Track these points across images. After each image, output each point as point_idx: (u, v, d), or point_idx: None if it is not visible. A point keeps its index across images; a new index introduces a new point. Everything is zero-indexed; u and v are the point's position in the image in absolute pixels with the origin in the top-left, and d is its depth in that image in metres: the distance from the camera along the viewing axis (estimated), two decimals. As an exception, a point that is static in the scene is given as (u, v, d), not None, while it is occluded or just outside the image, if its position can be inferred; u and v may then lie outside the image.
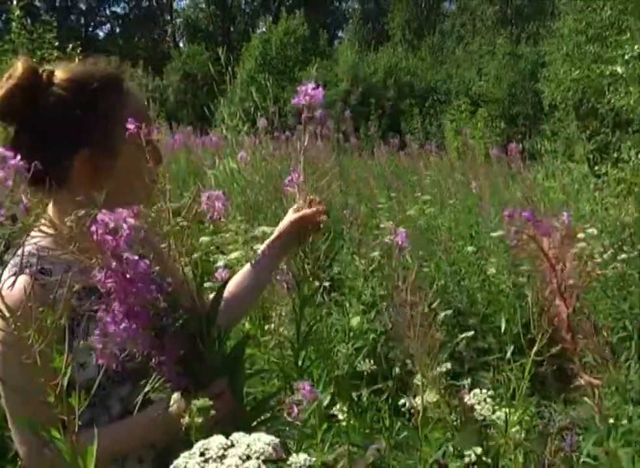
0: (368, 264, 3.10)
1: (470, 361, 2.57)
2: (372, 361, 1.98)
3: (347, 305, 2.98)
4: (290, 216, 1.48)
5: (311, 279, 1.52)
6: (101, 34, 43.20)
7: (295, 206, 1.50)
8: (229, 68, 4.97)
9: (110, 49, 32.30)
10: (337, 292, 3.20)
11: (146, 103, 1.38)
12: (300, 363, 1.35)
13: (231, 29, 38.63)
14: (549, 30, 19.73)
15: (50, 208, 1.27)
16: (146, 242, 0.92)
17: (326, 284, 3.27)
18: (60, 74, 1.26)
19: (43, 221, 1.19)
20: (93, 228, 0.85)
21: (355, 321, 2.64)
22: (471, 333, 2.41)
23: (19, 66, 1.23)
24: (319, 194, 1.51)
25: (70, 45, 6.60)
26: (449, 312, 2.81)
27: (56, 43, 6.61)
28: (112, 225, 0.83)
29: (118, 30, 42.04)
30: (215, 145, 6.81)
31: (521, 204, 4.69)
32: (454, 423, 1.34)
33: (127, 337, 0.78)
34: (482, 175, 5.86)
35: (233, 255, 2.41)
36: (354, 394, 1.87)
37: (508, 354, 2.15)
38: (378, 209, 4.80)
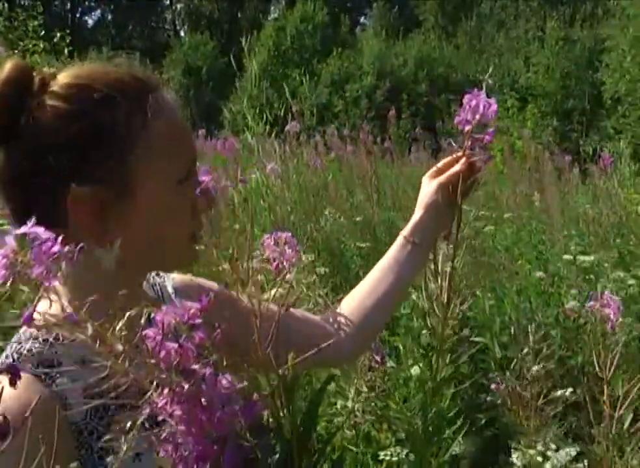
0: (428, 298, 2.93)
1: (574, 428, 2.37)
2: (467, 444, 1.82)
3: (401, 348, 2.82)
4: (429, 183, 1.31)
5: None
6: (90, 21, 43.60)
7: (429, 171, 1.33)
8: (253, 60, 4.84)
9: (101, 39, 32.57)
10: (387, 332, 3.04)
11: (186, 124, 1.11)
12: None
13: (239, 15, 38.81)
14: (608, 10, 19.49)
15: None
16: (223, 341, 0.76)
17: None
18: (62, 78, 1.01)
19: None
20: (147, 332, 0.63)
21: (414, 371, 2.49)
22: (569, 390, 2.23)
23: (5, 68, 1.00)
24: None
25: (58, 34, 6.47)
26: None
27: (42, 33, 6.39)
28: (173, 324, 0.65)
29: (109, 17, 42.38)
30: (229, 151, 6.69)
31: (598, 221, 4.53)
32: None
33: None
34: (545, 184, 5.71)
35: (270, 294, 2.26)
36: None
37: (627, 424, 1.93)
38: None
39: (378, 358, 1.31)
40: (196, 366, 0.61)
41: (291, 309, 1.28)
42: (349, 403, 1.30)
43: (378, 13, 36.61)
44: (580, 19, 24.15)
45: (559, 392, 2.31)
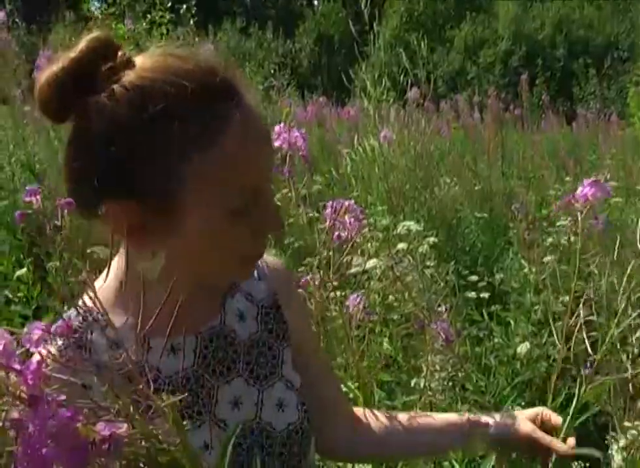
0: (539, 272, 2.80)
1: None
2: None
3: (512, 323, 2.70)
4: (530, 425, 1.21)
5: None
6: (227, -8, 44.17)
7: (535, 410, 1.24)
8: (374, 26, 4.68)
9: (236, 10, 32.96)
10: (499, 306, 2.92)
11: (260, 138, 0.95)
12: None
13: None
14: None
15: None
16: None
17: (485, 295, 3.01)
18: (132, 74, 0.90)
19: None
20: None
21: (523, 348, 2.37)
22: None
23: (87, 38, 0.90)
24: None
25: (184, 6, 6.46)
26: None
27: (169, 4, 6.21)
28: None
29: (245, -13, 42.86)
30: (353, 119, 6.66)
31: None
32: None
33: None
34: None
35: (371, 262, 2.20)
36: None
37: None
38: (550, 197, 4.45)
39: (444, 336, 1.22)
40: (38, 393, 0.53)
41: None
42: (421, 382, 1.23)
43: (516, -24, 35.42)
44: None
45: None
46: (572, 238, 1.56)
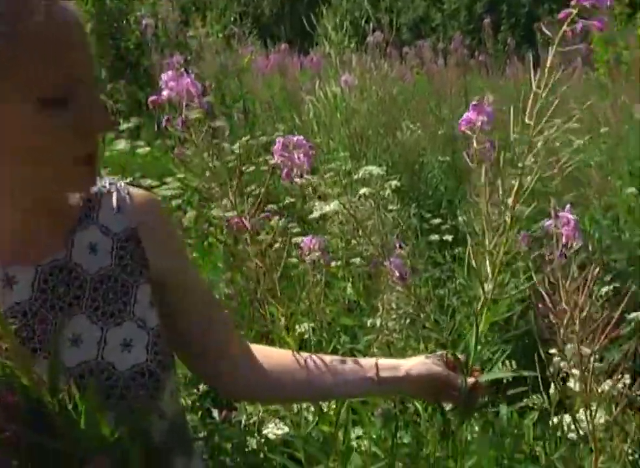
0: (502, 214, 2.79)
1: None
2: (511, 363, 1.73)
3: (473, 265, 2.71)
4: (426, 363, 1.20)
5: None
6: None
7: (437, 354, 1.23)
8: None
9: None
10: (462, 248, 2.93)
11: (66, 37, 0.90)
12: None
13: None
14: None
15: None
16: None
17: (448, 237, 3.02)
18: None
19: None
20: None
21: (486, 288, 2.38)
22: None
23: None
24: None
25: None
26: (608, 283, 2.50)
27: None
28: None
29: None
30: (316, 67, 6.57)
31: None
32: (630, 456, 1.08)
33: None
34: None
35: (331, 206, 2.19)
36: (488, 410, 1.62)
37: None
38: (513, 141, 4.46)
39: (397, 274, 1.20)
40: None
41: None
42: (377, 321, 1.22)
43: None
44: None
45: (633, 315, 2.14)
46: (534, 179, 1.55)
